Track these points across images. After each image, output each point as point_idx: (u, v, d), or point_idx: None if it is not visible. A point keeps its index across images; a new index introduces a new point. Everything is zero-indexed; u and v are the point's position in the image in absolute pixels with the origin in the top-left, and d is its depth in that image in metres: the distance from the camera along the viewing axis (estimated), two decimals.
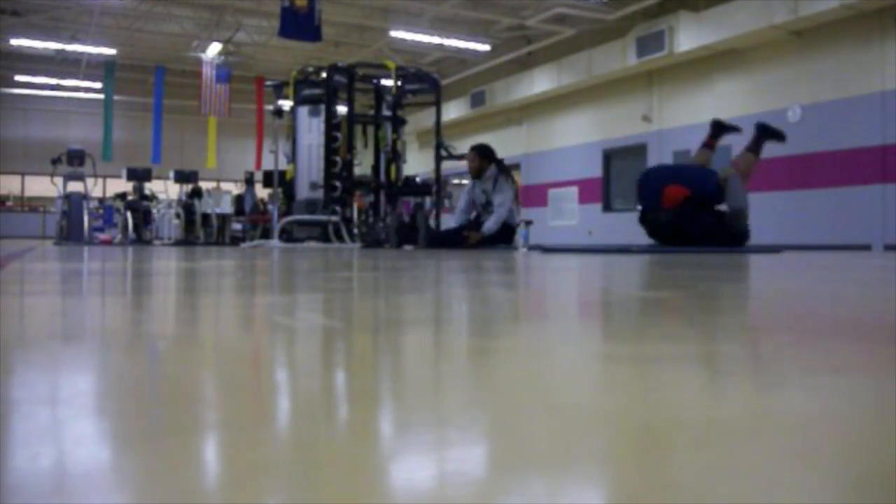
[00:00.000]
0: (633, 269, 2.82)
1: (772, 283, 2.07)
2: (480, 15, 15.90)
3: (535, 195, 18.31)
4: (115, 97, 20.58)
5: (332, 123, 9.00)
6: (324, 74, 9.39)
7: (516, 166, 18.83)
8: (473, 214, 7.54)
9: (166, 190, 14.76)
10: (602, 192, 16.42)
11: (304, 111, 9.46)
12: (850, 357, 0.75)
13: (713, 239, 5.63)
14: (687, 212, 5.70)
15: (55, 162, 11.70)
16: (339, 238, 8.83)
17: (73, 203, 11.60)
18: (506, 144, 18.65)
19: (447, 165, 9.81)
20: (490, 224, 7.14)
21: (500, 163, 7.53)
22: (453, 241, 7.39)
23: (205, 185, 14.82)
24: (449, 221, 9.44)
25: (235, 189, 15.60)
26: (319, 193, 9.09)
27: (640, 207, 6.30)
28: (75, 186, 11.67)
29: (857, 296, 1.65)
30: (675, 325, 1.03)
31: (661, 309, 1.26)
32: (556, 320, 1.14)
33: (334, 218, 8.84)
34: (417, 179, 10.07)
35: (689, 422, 0.46)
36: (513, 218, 7.26)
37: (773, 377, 0.62)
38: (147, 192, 13.45)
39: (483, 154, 7.44)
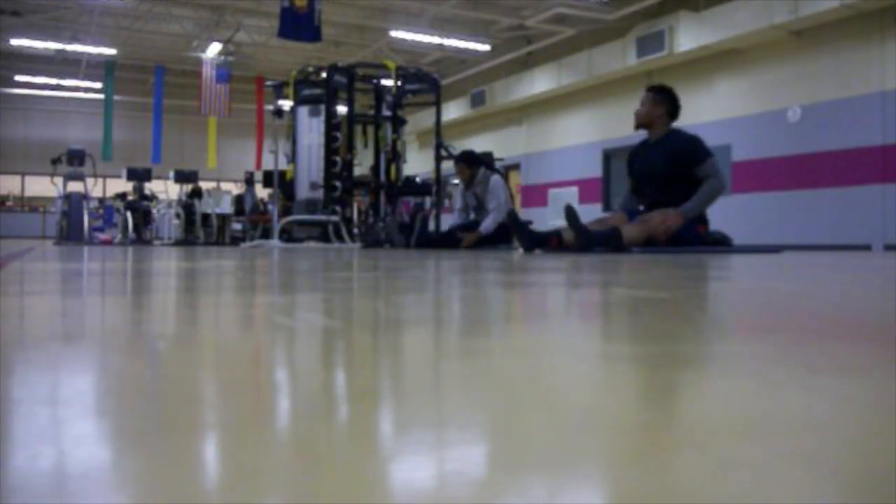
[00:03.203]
0: (631, 268, 2.82)
1: (770, 283, 2.07)
2: (480, 15, 15.90)
3: (535, 195, 18.32)
4: (115, 97, 20.60)
5: (332, 123, 9.01)
6: (324, 74, 9.40)
7: (516, 166, 18.84)
8: (472, 216, 7.57)
9: (166, 190, 14.77)
10: (602, 193, 16.42)
11: (304, 111, 9.46)
12: (850, 356, 0.75)
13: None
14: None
15: (55, 162, 11.72)
16: (339, 238, 8.84)
17: (73, 203, 11.61)
18: (506, 144, 18.67)
19: (447, 165, 9.83)
20: (487, 224, 7.17)
21: (487, 163, 7.58)
22: (449, 241, 7.40)
23: (205, 185, 14.83)
24: (448, 221, 9.45)
25: (235, 189, 15.61)
26: (319, 193, 9.10)
27: None
28: (75, 186, 11.68)
29: (855, 294, 1.65)
30: (673, 325, 1.03)
31: (660, 309, 1.27)
32: (554, 319, 1.14)
33: (334, 218, 8.85)
34: (417, 179, 10.09)
35: (689, 420, 0.46)
36: None
37: (774, 376, 0.62)
38: (147, 192, 13.46)
39: (469, 162, 7.48)
